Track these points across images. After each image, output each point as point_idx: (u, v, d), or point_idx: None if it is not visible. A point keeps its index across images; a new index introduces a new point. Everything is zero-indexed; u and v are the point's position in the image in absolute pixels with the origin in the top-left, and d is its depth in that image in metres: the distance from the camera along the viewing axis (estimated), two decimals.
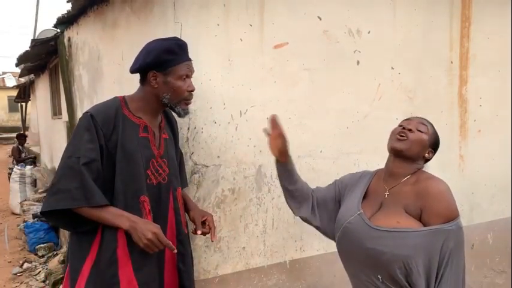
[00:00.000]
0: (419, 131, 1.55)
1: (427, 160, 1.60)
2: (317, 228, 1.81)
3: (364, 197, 1.63)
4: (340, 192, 1.75)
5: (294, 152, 2.37)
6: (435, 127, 1.63)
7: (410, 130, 1.54)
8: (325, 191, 1.80)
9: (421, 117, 1.64)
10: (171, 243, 1.62)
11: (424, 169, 1.60)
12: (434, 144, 1.60)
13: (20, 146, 8.97)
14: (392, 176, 1.58)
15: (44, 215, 1.64)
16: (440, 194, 1.45)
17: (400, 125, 1.60)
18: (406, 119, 1.63)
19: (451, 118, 2.88)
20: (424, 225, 1.42)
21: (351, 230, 1.54)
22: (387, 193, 1.55)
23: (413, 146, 1.53)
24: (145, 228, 1.56)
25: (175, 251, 1.67)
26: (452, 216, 1.42)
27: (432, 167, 2.76)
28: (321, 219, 1.77)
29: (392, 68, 2.66)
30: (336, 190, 1.77)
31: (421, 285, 1.40)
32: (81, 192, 1.55)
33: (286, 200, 1.86)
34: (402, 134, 1.54)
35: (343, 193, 1.73)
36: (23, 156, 8.83)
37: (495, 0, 3.01)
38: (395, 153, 1.56)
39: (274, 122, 1.74)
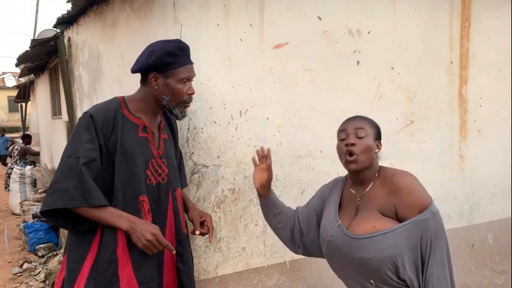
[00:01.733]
0: (360, 137, 1.53)
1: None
2: (302, 254, 1.82)
3: (340, 206, 1.64)
4: (315, 208, 1.76)
5: (294, 152, 2.38)
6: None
7: (353, 144, 1.53)
8: (305, 215, 1.78)
9: (356, 118, 1.62)
10: (170, 244, 1.63)
11: (380, 159, 1.60)
12: (378, 136, 1.59)
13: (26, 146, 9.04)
14: (359, 184, 1.60)
15: (43, 214, 1.64)
16: (409, 187, 1.47)
17: (341, 139, 1.58)
18: (344, 124, 1.61)
19: (451, 118, 2.88)
20: (401, 220, 1.45)
21: (333, 243, 1.57)
22: (359, 200, 1.58)
23: (364, 158, 1.52)
24: (145, 229, 1.56)
25: (174, 252, 1.68)
26: (425, 204, 1.44)
27: (432, 167, 2.79)
28: (303, 244, 1.77)
29: (392, 68, 2.66)
30: (310, 210, 1.77)
31: (411, 277, 1.42)
32: (80, 192, 1.55)
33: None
34: (350, 153, 1.53)
35: (321, 206, 1.74)
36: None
37: (495, 0, 3.01)
38: (354, 172, 1.58)
39: (264, 154, 1.77)
